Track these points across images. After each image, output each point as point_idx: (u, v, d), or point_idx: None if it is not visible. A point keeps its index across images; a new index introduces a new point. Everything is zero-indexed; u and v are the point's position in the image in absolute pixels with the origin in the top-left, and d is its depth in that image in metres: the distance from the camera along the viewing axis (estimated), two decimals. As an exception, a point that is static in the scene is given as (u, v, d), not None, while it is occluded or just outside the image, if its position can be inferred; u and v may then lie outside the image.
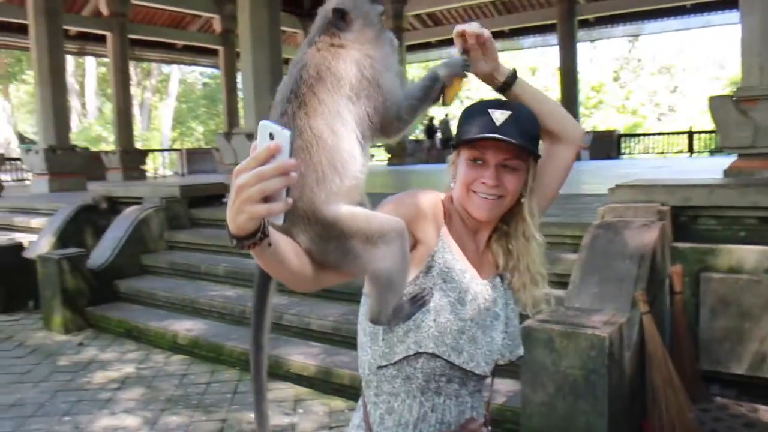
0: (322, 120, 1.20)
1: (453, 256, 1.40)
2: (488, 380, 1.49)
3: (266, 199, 0.97)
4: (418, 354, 1.34)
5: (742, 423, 3.66)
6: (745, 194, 4.04)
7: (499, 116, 1.34)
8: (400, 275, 1.27)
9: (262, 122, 0.99)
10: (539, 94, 1.47)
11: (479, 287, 1.42)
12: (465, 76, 1.37)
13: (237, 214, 0.99)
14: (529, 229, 1.44)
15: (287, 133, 0.97)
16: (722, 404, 3.90)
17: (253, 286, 1.35)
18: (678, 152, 22.15)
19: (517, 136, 1.32)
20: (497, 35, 21.27)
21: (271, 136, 0.97)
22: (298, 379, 4.52)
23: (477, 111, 1.39)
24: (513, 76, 1.43)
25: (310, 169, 1.18)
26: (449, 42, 22.38)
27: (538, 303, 1.48)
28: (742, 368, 3.83)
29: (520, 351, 1.47)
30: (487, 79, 1.44)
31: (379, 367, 1.39)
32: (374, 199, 1.37)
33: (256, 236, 1.03)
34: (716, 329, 3.91)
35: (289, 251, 1.17)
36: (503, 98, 1.43)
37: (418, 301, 1.33)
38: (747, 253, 3.87)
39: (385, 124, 1.26)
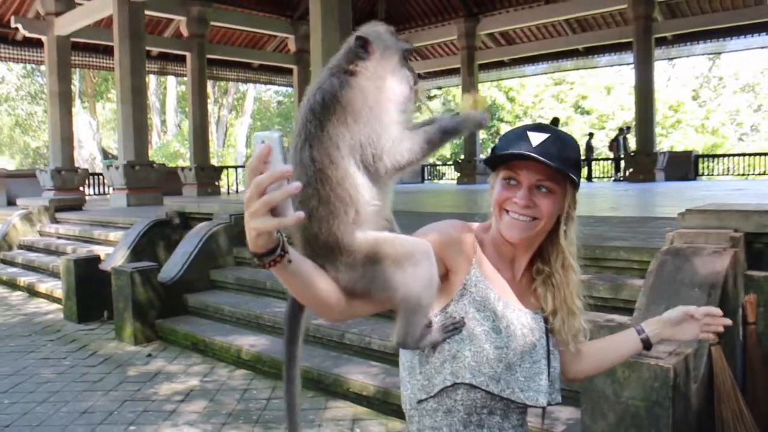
0: (323, 151, 1.21)
1: (486, 284, 1.38)
2: (537, 411, 1.46)
3: (275, 213, 0.98)
4: (456, 385, 1.33)
5: (819, 465, 3.45)
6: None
7: (536, 138, 1.33)
8: (427, 296, 1.27)
9: (255, 134, 1.00)
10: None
11: (515, 314, 1.39)
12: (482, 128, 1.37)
13: (249, 231, 1.01)
14: (567, 259, 1.42)
15: (275, 135, 0.98)
16: (798, 443, 3.69)
17: (285, 318, 1.37)
18: (760, 174, 21.20)
19: (553, 159, 1.30)
20: (571, 54, 21.09)
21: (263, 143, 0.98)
22: (357, 399, 4.53)
23: (516, 132, 1.39)
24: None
25: (322, 202, 1.20)
26: (521, 61, 22.34)
27: (576, 335, 1.45)
28: (821, 406, 3.62)
29: (559, 398, 1.43)
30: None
31: (420, 401, 1.38)
32: (432, 219, 1.38)
33: (276, 254, 1.05)
34: (793, 363, 3.71)
35: (314, 274, 1.18)
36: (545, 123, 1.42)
37: (449, 329, 1.32)
38: (827, 284, 3.67)
39: (376, 158, 1.24)
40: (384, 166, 1.24)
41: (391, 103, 1.28)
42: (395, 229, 1.35)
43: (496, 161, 1.38)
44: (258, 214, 0.97)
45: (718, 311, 1.55)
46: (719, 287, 3.56)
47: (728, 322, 1.54)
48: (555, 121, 22.65)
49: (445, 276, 1.36)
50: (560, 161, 1.31)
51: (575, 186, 1.38)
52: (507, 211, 1.36)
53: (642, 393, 2.97)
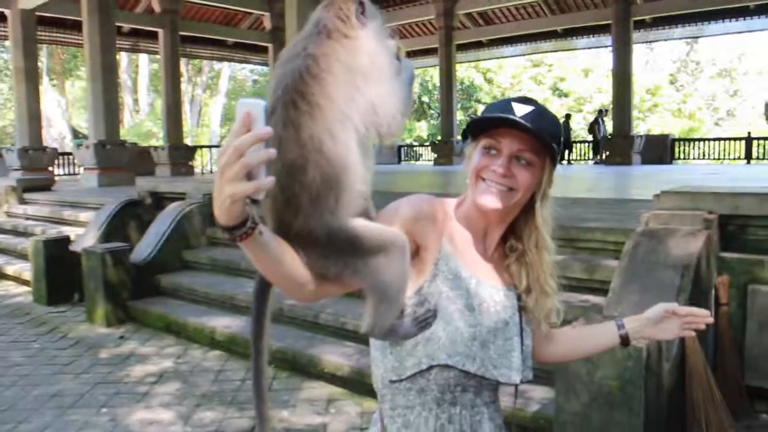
0: (324, 125, 1.12)
1: (458, 262, 1.35)
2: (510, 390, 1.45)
3: (250, 178, 0.95)
4: (430, 367, 1.31)
5: (787, 443, 3.51)
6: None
7: (520, 108, 1.31)
8: (397, 289, 1.24)
9: (240, 100, 0.97)
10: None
11: (487, 291, 1.37)
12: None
13: (223, 199, 0.96)
14: (542, 239, 1.40)
15: (261, 102, 0.96)
16: (766, 421, 3.75)
17: (252, 296, 1.33)
18: (735, 159, 21.46)
19: (536, 129, 1.29)
20: (550, 35, 21.08)
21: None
22: (332, 379, 4.51)
23: (500, 103, 1.36)
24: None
25: (303, 188, 1.12)
26: (500, 42, 22.29)
27: (548, 315, 1.44)
28: (790, 385, 3.68)
29: (530, 375, 1.41)
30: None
31: (392, 381, 1.36)
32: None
33: (246, 226, 1.01)
34: (764, 344, 3.76)
35: (285, 253, 1.13)
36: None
37: (420, 323, 1.30)
38: (799, 266, 3.71)
39: (389, 120, 1.19)
40: (394, 128, 1.20)
41: (392, 65, 1.24)
42: (371, 208, 1.29)
43: (479, 125, 1.36)
44: (236, 178, 0.93)
45: (702, 311, 1.53)
46: (692, 268, 3.58)
47: (710, 320, 1.52)
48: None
49: (416, 252, 1.33)
50: (542, 132, 1.30)
51: (554, 162, 1.37)
52: (483, 180, 1.34)
53: (615, 372, 2.99)
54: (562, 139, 1.40)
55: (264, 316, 1.34)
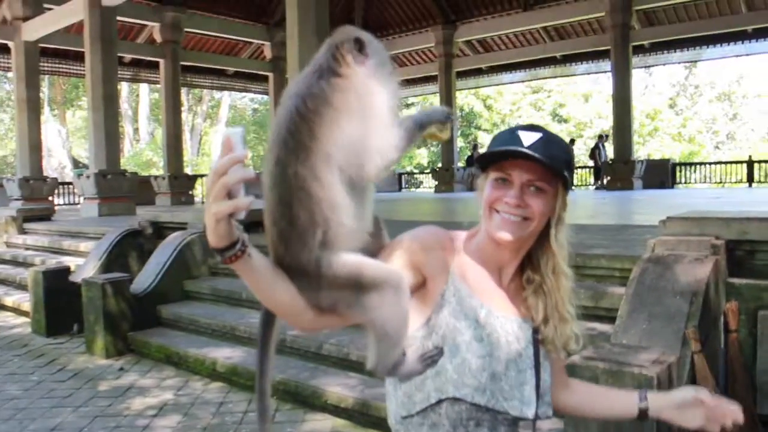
0: (309, 164, 1.15)
1: (467, 292, 1.33)
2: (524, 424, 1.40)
3: (231, 198, 1.02)
4: (440, 400, 1.28)
5: (804, 474, 3.43)
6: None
7: (527, 137, 1.30)
8: (395, 327, 1.22)
9: (224, 130, 1.05)
10: None
11: (498, 321, 1.34)
12: (447, 122, 1.31)
13: (209, 220, 1.04)
14: (558, 264, 1.37)
15: (239, 129, 1.05)
16: (782, 452, 3.67)
17: (259, 324, 1.36)
18: (737, 182, 21.48)
19: (545, 158, 1.27)
20: (549, 61, 21.22)
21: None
22: (336, 411, 4.43)
23: (507, 132, 1.35)
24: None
25: (292, 223, 1.16)
26: (499, 68, 22.45)
27: (567, 342, 1.41)
28: (803, 414, 3.60)
29: (550, 412, 1.38)
30: None
31: (403, 417, 1.33)
32: (411, 227, 1.34)
33: (236, 248, 1.08)
34: (775, 371, 3.69)
35: (279, 279, 1.17)
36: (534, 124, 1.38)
37: (426, 360, 1.27)
38: (809, 291, 3.66)
39: (370, 157, 1.19)
40: (375, 168, 1.19)
41: (384, 104, 1.23)
42: (384, 234, 1.33)
43: (487, 159, 1.34)
44: (218, 197, 1.01)
45: (732, 406, 1.49)
46: (701, 295, 3.53)
47: (739, 417, 1.47)
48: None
49: (423, 284, 1.32)
50: (551, 160, 1.28)
51: (566, 187, 1.35)
52: (497, 212, 1.32)
53: (626, 404, 2.92)
54: (573, 162, 1.37)
55: (270, 340, 1.37)
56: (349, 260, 1.19)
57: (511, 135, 1.32)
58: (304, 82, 1.21)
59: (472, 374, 1.27)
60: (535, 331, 1.39)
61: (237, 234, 1.07)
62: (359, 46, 1.24)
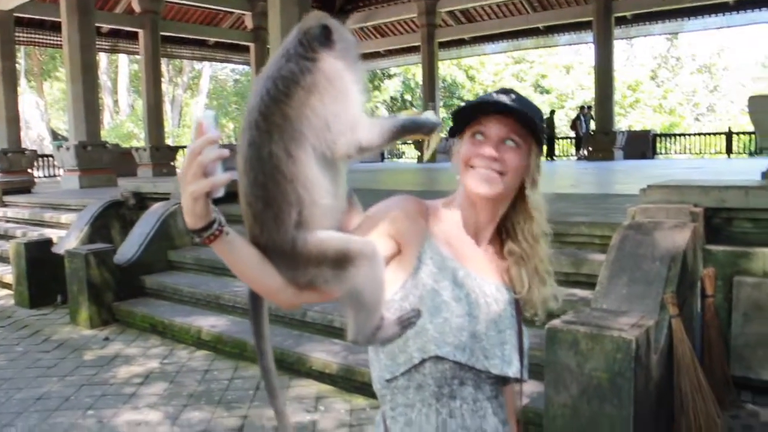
0: (281, 144, 1.18)
1: (444, 253, 1.36)
2: (516, 387, 1.45)
3: (207, 177, 1.06)
4: (423, 360, 1.30)
5: (774, 432, 3.54)
6: (782, 196, 3.91)
7: (502, 98, 1.33)
8: (372, 297, 1.25)
9: (196, 115, 1.09)
10: None
11: (476, 282, 1.37)
12: (436, 131, 1.34)
13: (186, 200, 1.07)
14: (536, 228, 1.41)
15: (210, 113, 1.10)
16: (753, 411, 3.78)
17: (248, 298, 1.38)
18: (716, 153, 21.68)
19: (520, 109, 1.32)
20: (531, 32, 21.14)
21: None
22: (320, 377, 4.49)
23: (482, 96, 1.40)
24: None
25: (266, 203, 1.19)
26: (481, 39, 22.34)
27: (546, 302, 1.44)
28: (775, 375, 3.71)
29: (527, 376, 1.42)
30: None
31: (388, 380, 1.35)
32: (392, 196, 1.36)
33: (213, 228, 1.11)
34: (749, 335, 3.79)
35: (257, 257, 1.21)
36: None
37: (404, 323, 1.30)
38: (783, 257, 3.75)
39: (340, 135, 1.21)
40: (345, 144, 1.21)
41: (353, 85, 1.26)
42: (357, 208, 1.36)
43: (465, 114, 1.37)
44: (195, 177, 1.05)
45: None
46: (679, 261, 3.60)
47: None
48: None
49: (399, 251, 1.34)
50: (527, 112, 1.32)
51: (540, 147, 1.39)
52: (473, 167, 1.34)
53: (605, 365, 2.99)
54: (544, 126, 1.41)
55: (261, 317, 1.39)
56: (322, 237, 1.22)
57: (486, 96, 1.36)
58: (274, 66, 1.24)
59: (453, 333, 1.30)
60: (516, 302, 1.43)
61: (214, 214, 1.11)
62: (326, 32, 1.26)
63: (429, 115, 1.31)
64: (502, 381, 1.40)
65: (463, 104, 1.38)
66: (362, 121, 1.23)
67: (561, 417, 3.14)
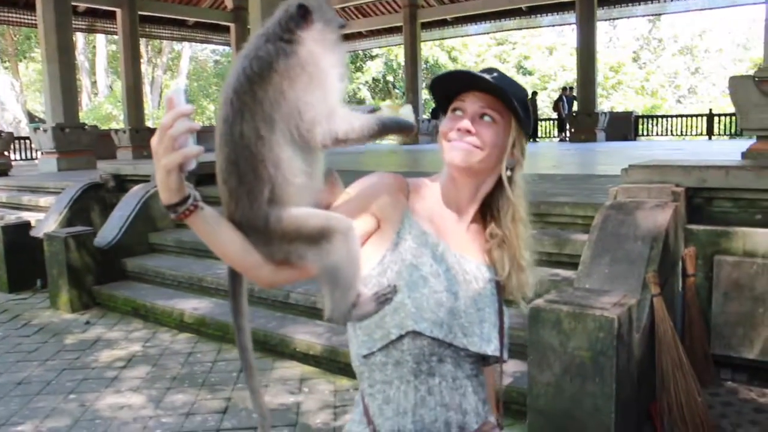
0: (253, 125, 1.18)
1: (424, 229, 1.36)
2: (496, 367, 1.44)
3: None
4: (401, 336, 1.29)
5: (751, 408, 3.60)
6: (763, 176, 3.93)
7: (485, 75, 1.33)
8: (347, 273, 1.24)
9: (166, 93, 1.06)
10: None
11: (455, 259, 1.37)
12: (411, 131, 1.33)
13: (160, 175, 1.08)
14: (517, 212, 1.40)
15: (180, 87, 1.11)
16: (732, 388, 3.84)
17: (227, 276, 1.38)
18: (697, 135, 21.84)
19: (497, 85, 1.31)
20: (514, 13, 21.06)
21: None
22: (304, 358, 4.49)
23: (458, 70, 1.39)
24: None
25: (240, 181, 1.20)
26: (464, 20, 22.22)
27: (524, 290, 1.44)
28: (753, 353, 3.76)
29: (506, 356, 1.41)
30: None
31: (365, 356, 1.34)
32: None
33: (188, 203, 1.12)
34: (729, 313, 3.83)
35: (233, 234, 1.21)
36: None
37: (381, 299, 1.29)
38: (763, 237, 3.78)
39: (312, 125, 1.20)
40: (320, 134, 1.20)
41: (331, 71, 1.24)
42: (338, 183, 1.36)
43: (442, 84, 1.39)
44: (167, 150, 1.06)
45: None
46: (661, 240, 3.63)
47: None
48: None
49: (378, 226, 1.34)
50: (504, 88, 1.32)
51: (521, 125, 1.37)
52: (450, 141, 1.35)
53: (587, 343, 3.01)
54: (528, 104, 1.39)
55: (240, 294, 1.39)
56: (296, 213, 1.22)
57: (470, 74, 1.35)
58: (253, 45, 1.23)
59: (430, 308, 1.29)
60: (497, 283, 1.43)
61: (188, 190, 1.12)
62: (303, 12, 1.23)
63: (406, 112, 1.31)
64: (482, 360, 1.40)
65: (438, 75, 1.38)
66: (339, 112, 1.22)
67: (544, 396, 3.16)
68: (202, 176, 7.38)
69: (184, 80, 32.79)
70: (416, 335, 1.29)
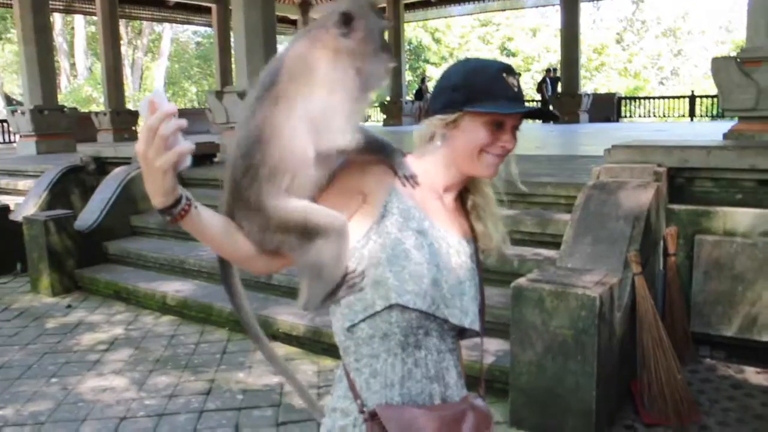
0: (284, 114, 1.23)
1: (410, 204, 1.36)
2: (477, 340, 1.47)
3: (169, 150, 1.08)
4: (390, 307, 1.30)
5: (729, 384, 3.65)
6: (743, 156, 3.97)
7: (512, 81, 1.36)
8: (331, 271, 1.29)
9: (144, 97, 1.10)
10: None
11: (440, 233, 1.38)
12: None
13: (154, 179, 1.10)
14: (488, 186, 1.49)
15: (159, 90, 1.10)
16: (711, 365, 3.89)
17: (217, 260, 1.44)
18: (679, 117, 21.95)
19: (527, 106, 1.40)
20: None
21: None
22: (288, 339, 4.49)
23: (491, 75, 1.36)
24: None
25: (263, 163, 1.23)
26: (448, 1, 22.09)
27: (505, 240, 1.50)
28: (732, 331, 3.81)
29: (482, 330, 1.44)
30: None
31: (349, 330, 1.34)
32: None
33: (182, 203, 1.14)
34: (709, 292, 3.87)
35: (226, 226, 1.26)
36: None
37: (349, 284, 1.32)
38: (742, 216, 3.82)
39: (325, 133, 1.26)
40: (327, 143, 1.26)
41: (358, 86, 1.29)
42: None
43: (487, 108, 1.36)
44: (159, 152, 1.07)
45: None
46: (643, 220, 3.65)
47: None
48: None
49: (363, 201, 1.35)
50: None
51: None
52: (488, 153, 1.37)
53: (569, 322, 3.04)
54: None
55: (231, 276, 1.45)
56: (297, 206, 1.26)
57: (498, 79, 1.35)
58: (299, 35, 1.29)
59: (412, 280, 1.30)
60: (479, 257, 1.47)
61: (179, 190, 1.14)
62: (347, 19, 1.27)
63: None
64: (459, 334, 1.42)
65: (478, 96, 1.34)
66: (342, 126, 1.26)
67: (526, 374, 3.19)
68: (199, 157, 7.37)
69: (162, 82, 32.26)
70: (404, 308, 1.30)
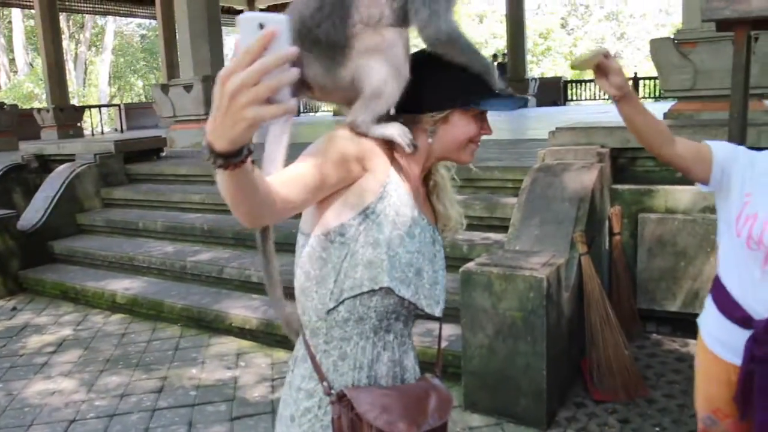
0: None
1: (403, 190, 1.36)
2: (428, 326, 1.50)
3: (269, 101, 0.87)
4: (372, 292, 1.29)
5: (674, 357, 3.76)
6: (681, 135, 4.04)
7: (501, 81, 1.37)
8: (394, 84, 1.27)
9: (246, 15, 0.84)
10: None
11: (424, 222, 1.40)
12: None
13: (234, 125, 0.88)
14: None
15: (283, 17, 0.85)
16: (657, 341, 4.00)
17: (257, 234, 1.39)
18: (623, 98, 22.38)
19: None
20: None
21: (261, 27, 0.83)
22: (241, 333, 4.46)
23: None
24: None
25: (345, 5, 1.23)
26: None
27: (460, 217, 1.51)
28: (675, 305, 3.92)
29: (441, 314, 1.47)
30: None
31: (329, 312, 1.32)
32: None
33: (243, 153, 0.95)
34: (653, 269, 3.97)
35: (260, 176, 1.09)
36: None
37: (405, 135, 1.33)
38: (682, 194, 3.92)
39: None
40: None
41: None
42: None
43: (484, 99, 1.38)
44: (258, 101, 0.85)
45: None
46: (587, 200, 3.72)
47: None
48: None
49: (361, 176, 1.30)
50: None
51: None
52: (473, 142, 1.38)
53: (518, 304, 3.08)
54: None
55: (268, 241, 1.40)
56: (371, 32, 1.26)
57: (503, 85, 1.37)
58: None
59: (401, 268, 1.31)
60: (441, 237, 1.48)
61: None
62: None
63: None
64: (422, 317, 1.44)
65: (503, 90, 1.37)
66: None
67: (478, 357, 3.23)
68: (130, 154, 7.23)
69: (106, 77, 31.39)
70: (388, 293, 1.30)
